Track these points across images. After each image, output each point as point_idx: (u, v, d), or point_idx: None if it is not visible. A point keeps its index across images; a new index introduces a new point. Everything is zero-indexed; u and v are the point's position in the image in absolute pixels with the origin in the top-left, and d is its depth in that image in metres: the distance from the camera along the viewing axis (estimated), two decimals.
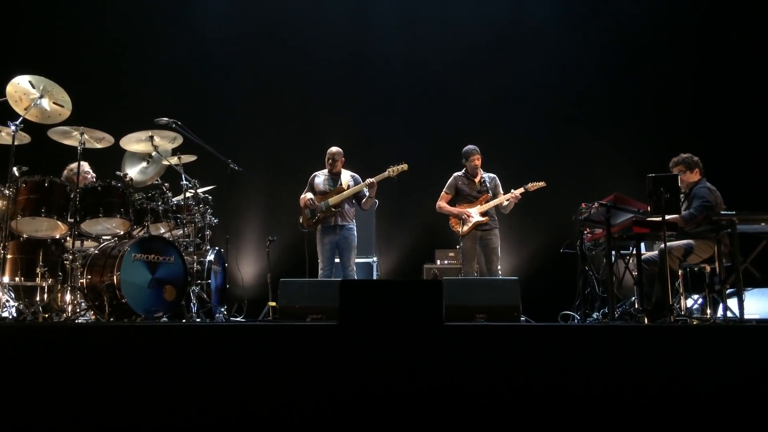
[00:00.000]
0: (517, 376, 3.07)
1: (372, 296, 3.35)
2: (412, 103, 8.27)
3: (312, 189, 6.27)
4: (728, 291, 4.82)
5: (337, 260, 6.18)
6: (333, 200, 6.09)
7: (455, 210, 6.27)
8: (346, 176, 6.28)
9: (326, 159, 6.29)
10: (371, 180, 6.06)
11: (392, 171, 6.11)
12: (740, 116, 7.70)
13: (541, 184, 6.31)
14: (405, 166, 6.14)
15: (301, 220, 6.22)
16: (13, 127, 4.52)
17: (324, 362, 3.09)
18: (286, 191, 7.58)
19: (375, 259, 7.14)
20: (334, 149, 6.30)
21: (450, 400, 3.00)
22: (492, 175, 6.41)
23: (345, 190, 6.14)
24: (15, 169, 4.54)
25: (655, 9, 8.16)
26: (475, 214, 6.18)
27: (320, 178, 6.30)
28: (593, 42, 8.20)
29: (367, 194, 6.12)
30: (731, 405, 3.01)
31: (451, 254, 7.15)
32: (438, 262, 7.24)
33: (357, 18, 8.48)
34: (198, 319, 4.99)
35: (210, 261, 5.59)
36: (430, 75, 8.36)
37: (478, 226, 6.17)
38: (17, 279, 4.55)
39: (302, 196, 6.24)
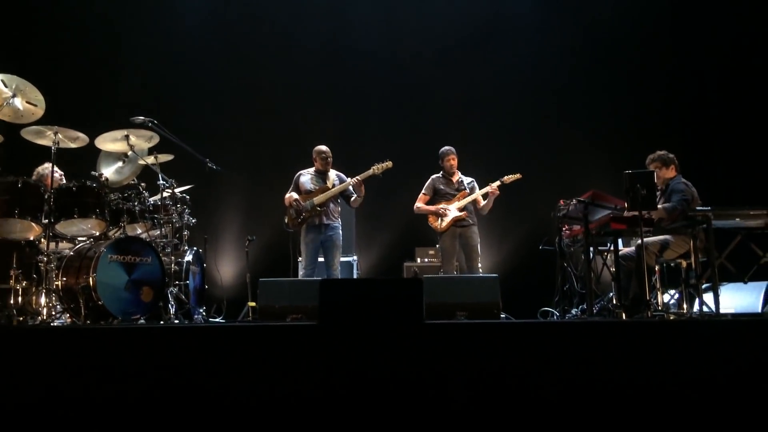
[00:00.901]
0: (498, 373, 3.09)
1: (352, 295, 3.35)
2: (391, 100, 8.27)
3: (297, 188, 6.21)
4: (704, 286, 4.89)
5: (321, 259, 6.13)
6: (318, 199, 6.05)
7: (432, 207, 6.28)
8: (332, 175, 6.25)
9: (320, 157, 6.20)
10: (357, 179, 6.02)
11: (377, 169, 6.08)
12: (715, 112, 7.81)
13: (517, 176, 6.33)
14: (389, 164, 6.11)
15: (286, 220, 6.16)
16: None
17: (304, 362, 3.07)
18: (264, 190, 7.54)
19: (355, 257, 7.13)
20: (321, 147, 6.24)
21: (431, 398, 3.01)
22: (470, 178, 6.43)
23: (330, 189, 6.11)
24: None
25: (631, 4, 8.24)
26: (452, 209, 6.20)
27: (306, 176, 6.25)
28: (570, 37, 8.26)
29: (355, 194, 6.10)
30: (708, 398, 3.05)
31: (431, 252, 7.17)
32: (418, 260, 7.25)
33: (336, 14, 8.46)
34: (176, 321, 4.94)
35: (188, 261, 5.54)
36: (409, 72, 8.35)
37: (456, 222, 6.18)
38: None
39: (287, 195, 6.17)
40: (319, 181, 6.20)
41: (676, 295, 5.47)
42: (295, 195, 6.12)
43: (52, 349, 3.10)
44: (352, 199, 6.15)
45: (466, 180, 6.40)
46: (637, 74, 8.11)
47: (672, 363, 3.14)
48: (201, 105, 8.04)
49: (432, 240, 6.75)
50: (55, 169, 5.01)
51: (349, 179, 6.10)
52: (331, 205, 6.14)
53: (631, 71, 8.13)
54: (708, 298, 4.74)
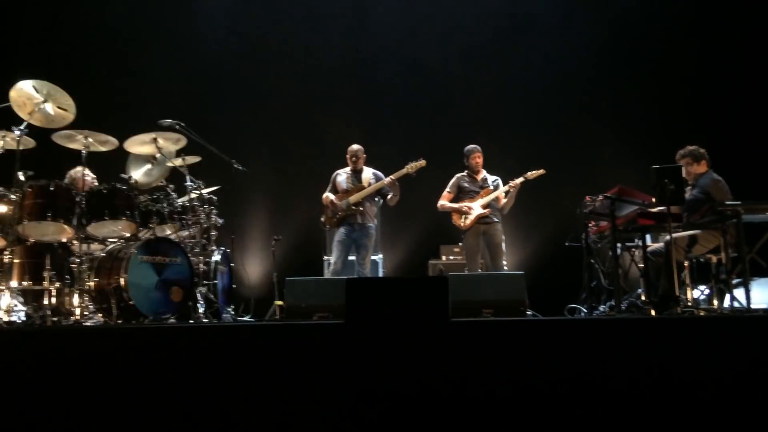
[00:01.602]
0: (525, 371, 3.08)
1: (378, 294, 3.35)
2: (414, 100, 8.26)
3: (334, 188, 6.28)
4: (735, 281, 4.81)
5: (351, 257, 6.17)
6: (354, 198, 6.09)
7: (456, 205, 6.26)
8: (368, 173, 6.27)
9: (348, 157, 6.27)
10: (391, 178, 6.06)
11: (411, 168, 6.09)
12: (744, 104, 7.66)
13: (541, 171, 6.27)
14: (423, 162, 6.12)
15: (323, 219, 6.23)
16: (17, 132, 4.54)
17: (331, 360, 3.10)
18: (290, 190, 7.61)
19: (381, 256, 7.14)
20: (355, 147, 6.30)
21: (458, 396, 3.01)
22: (495, 177, 6.39)
23: (366, 188, 6.14)
24: (20, 173, 4.56)
25: None
26: (476, 207, 6.18)
27: (342, 176, 6.30)
28: (595, 32, 8.16)
29: (391, 193, 6.13)
30: (740, 395, 3.00)
31: (456, 250, 7.15)
32: (443, 258, 7.23)
33: (357, 16, 8.48)
34: (205, 320, 5.01)
35: (216, 261, 5.60)
36: (432, 70, 8.34)
37: (480, 220, 6.16)
38: (25, 283, 4.56)
39: (324, 195, 6.25)
40: (354, 180, 6.24)
41: (707, 291, 5.39)
42: (331, 196, 6.18)
43: (86, 349, 3.16)
44: (389, 197, 6.18)
45: (491, 178, 6.37)
46: (663, 67, 7.98)
47: (703, 360, 3.10)
48: (227, 107, 8.12)
49: (457, 238, 6.73)
50: (87, 172, 5.12)
51: (384, 178, 6.13)
52: (367, 204, 6.17)
53: (657, 64, 8.00)
54: (739, 293, 4.67)
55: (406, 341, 3.12)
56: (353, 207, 6.08)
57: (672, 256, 4.56)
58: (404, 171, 6.09)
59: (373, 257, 6.88)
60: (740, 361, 3.08)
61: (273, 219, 7.96)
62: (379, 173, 6.27)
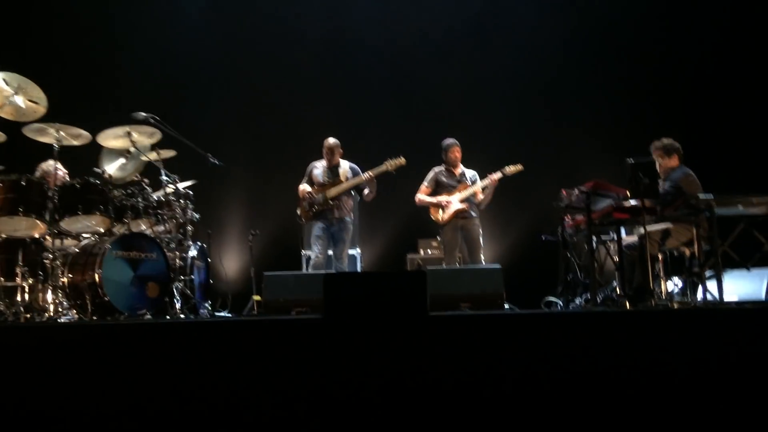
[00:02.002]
0: (503, 364, 3.10)
1: (356, 288, 3.35)
2: (391, 93, 8.25)
3: (310, 179, 6.22)
4: (707, 274, 4.89)
5: (330, 252, 6.14)
6: (330, 193, 6.06)
7: (434, 199, 6.28)
8: (345, 167, 6.23)
9: (324, 152, 6.21)
10: (369, 175, 6.02)
11: (390, 165, 6.07)
12: (716, 98, 7.77)
13: (519, 167, 6.30)
14: (402, 161, 6.09)
15: (299, 212, 6.18)
16: None
17: (310, 355, 3.09)
18: (267, 184, 7.56)
19: (358, 250, 7.14)
20: (330, 141, 6.23)
21: (437, 391, 3.02)
22: (473, 171, 6.42)
23: (343, 183, 6.10)
24: None
25: None
26: (454, 201, 6.19)
27: (318, 169, 6.24)
28: (569, 26, 8.21)
29: (367, 189, 6.11)
30: (713, 387, 3.06)
31: (434, 244, 7.18)
32: (421, 251, 7.26)
33: (336, 8, 8.44)
34: (182, 315, 4.97)
35: (192, 256, 5.55)
36: (409, 64, 8.33)
37: (458, 214, 6.18)
38: None
39: (300, 187, 6.19)
40: (330, 173, 6.19)
41: (680, 284, 5.48)
42: (308, 188, 6.13)
43: (59, 346, 3.12)
44: (365, 193, 6.16)
45: (469, 173, 6.39)
46: (636, 61, 8.06)
47: (676, 352, 3.14)
48: (202, 100, 8.03)
49: (435, 231, 6.76)
50: (59, 166, 5.03)
51: (363, 174, 6.10)
52: (344, 197, 6.13)
53: (630, 59, 8.08)
54: (712, 286, 4.75)
55: (385, 335, 3.13)
56: (330, 201, 6.05)
57: (646, 250, 4.62)
58: (383, 168, 6.08)
59: (351, 251, 6.88)
60: (714, 353, 3.13)
61: (250, 213, 7.91)
62: (356, 167, 6.25)
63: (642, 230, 4.67)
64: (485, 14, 8.36)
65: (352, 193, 6.24)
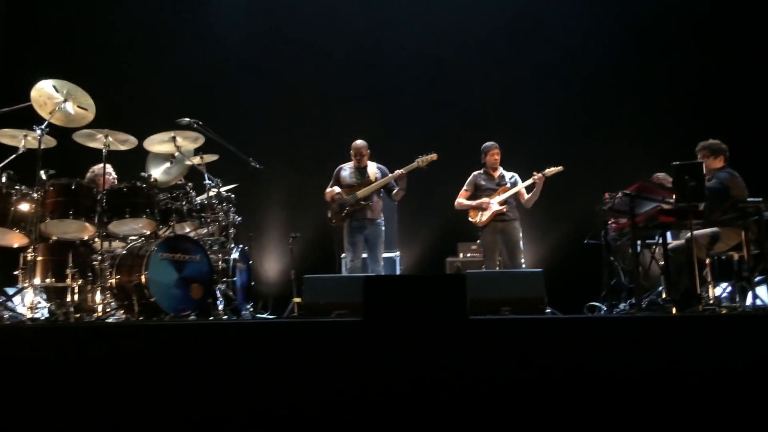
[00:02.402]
0: (544, 370, 3.06)
1: (396, 291, 3.36)
2: (430, 95, 8.23)
3: (338, 182, 6.21)
4: (757, 279, 4.75)
5: (364, 255, 6.14)
6: (361, 193, 6.03)
7: (474, 202, 6.23)
8: (373, 168, 6.21)
9: (352, 154, 6.22)
10: (400, 171, 5.98)
11: (421, 161, 6.01)
12: (764, 99, 7.54)
13: (559, 168, 6.20)
14: (434, 156, 6.03)
15: (329, 215, 6.17)
16: (39, 132, 4.60)
17: (349, 358, 3.10)
18: (307, 187, 7.61)
19: (398, 253, 7.13)
20: (359, 143, 6.23)
21: (477, 395, 3.00)
22: (513, 173, 6.34)
23: (373, 183, 6.09)
24: (42, 172, 4.61)
25: None
26: (493, 203, 6.14)
27: (346, 171, 6.24)
28: (613, 26, 8.08)
29: (397, 187, 6.07)
30: (762, 394, 2.96)
31: (474, 247, 7.12)
32: (460, 255, 7.21)
33: (372, 10, 8.46)
34: (225, 317, 5.04)
35: (235, 259, 5.63)
36: (447, 65, 8.29)
37: (496, 217, 6.12)
38: (48, 280, 4.62)
39: (328, 189, 6.19)
40: (359, 174, 6.18)
41: (729, 289, 5.33)
42: (336, 189, 6.13)
43: (108, 345, 3.20)
44: (394, 192, 6.11)
45: (508, 175, 6.32)
46: (683, 61, 7.88)
47: (725, 359, 3.06)
48: (244, 105, 8.15)
49: (474, 235, 6.71)
50: (110, 170, 5.18)
51: (389, 173, 6.08)
52: (374, 198, 6.10)
53: (676, 59, 7.90)
54: (761, 291, 4.61)
55: (425, 339, 3.12)
56: (362, 201, 6.03)
57: (693, 254, 4.51)
58: (414, 164, 6.02)
59: (390, 254, 6.87)
60: (764, 359, 3.04)
61: (290, 216, 7.98)
62: (384, 168, 6.22)
63: (689, 234, 4.55)
64: (524, 14, 8.27)
65: (381, 194, 6.22)
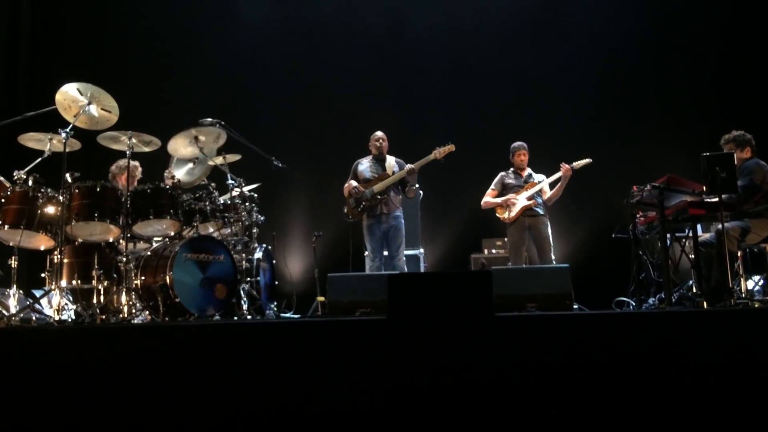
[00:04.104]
0: (572, 366, 3.00)
1: (420, 289, 3.32)
2: (452, 90, 8.17)
3: (356, 176, 6.15)
4: None
5: (386, 252, 6.07)
6: (378, 187, 5.96)
7: (500, 199, 6.17)
8: (391, 161, 6.12)
9: (373, 142, 6.16)
10: (411, 166, 5.90)
11: (438, 153, 5.91)
12: None
13: (587, 161, 6.12)
14: (452, 147, 5.92)
15: (345, 210, 6.12)
16: (64, 135, 4.63)
17: (374, 356, 3.08)
18: (329, 186, 7.60)
19: (422, 250, 7.09)
20: (378, 133, 6.19)
21: (504, 392, 2.96)
22: (542, 175, 6.26)
23: (389, 176, 6.01)
24: (68, 175, 4.65)
25: None
26: (521, 198, 6.07)
27: (364, 164, 6.17)
28: (637, 17, 7.98)
29: (409, 182, 5.98)
30: None
31: (498, 243, 7.06)
32: (485, 251, 7.15)
33: (393, 5, 8.43)
34: (249, 317, 5.05)
35: (258, 258, 5.65)
36: (470, 60, 8.23)
37: (525, 212, 6.05)
38: (74, 282, 4.67)
39: (346, 185, 6.15)
40: (377, 168, 6.10)
41: (761, 282, 5.21)
42: (354, 183, 6.07)
43: (134, 346, 3.21)
44: (407, 189, 6.02)
45: (537, 176, 6.26)
46: (709, 51, 7.73)
47: (758, 353, 2.97)
48: (266, 104, 8.17)
49: (499, 231, 6.65)
50: (137, 164, 5.22)
51: (408, 166, 5.98)
52: (392, 192, 6.01)
53: (702, 49, 7.76)
54: None
55: (450, 336, 3.08)
56: (378, 196, 5.95)
57: (724, 246, 4.40)
58: (431, 156, 5.92)
59: (414, 251, 6.83)
60: None
61: (313, 215, 7.98)
62: (402, 162, 6.11)
63: (719, 226, 4.45)
64: (548, 5, 8.19)
65: (399, 188, 6.10)
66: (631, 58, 7.91)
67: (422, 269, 6.98)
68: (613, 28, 7.97)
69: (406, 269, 6.13)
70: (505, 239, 6.42)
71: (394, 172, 6.02)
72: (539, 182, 6.16)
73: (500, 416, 2.93)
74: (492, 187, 6.29)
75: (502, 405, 2.94)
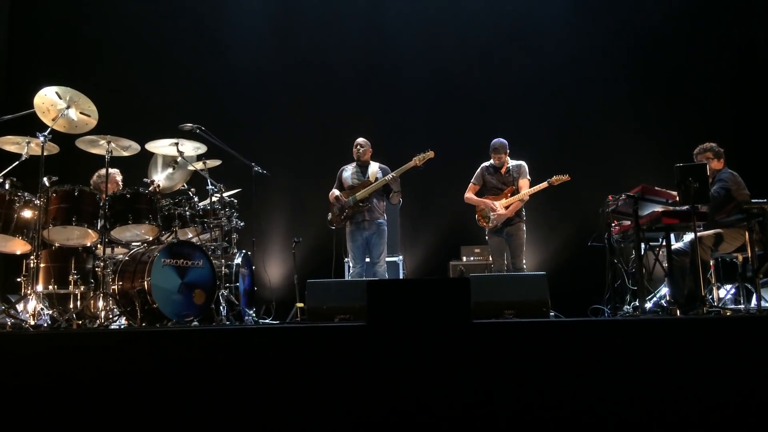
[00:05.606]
0: (549, 373, 3.05)
1: (399, 295, 3.34)
2: (432, 100, 8.23)
3: (340, 184, 6.17)
4: (762, 280, 4.73)
5: (368, 259, 6.09)
6: (360, 195, 5.95)
7: (481, 201, 6.18)
8: (375, 168, 6.14)
9: (355, 149, 6.17)
10: (392, 174, 5.93)
11: (418, 160, 5.93)
12: (763, 101, 7.54)
13: (565, 177, 6.18)
14: (431, 154, 5.95)
15: (330, 218, 6.13)
16: (42, 138, 4.59)
17: (353, 362, 3.09)
18: (309, 192, 7.62)
19: (401, 257, 7.12)
20: (359, 139, 6.21)
21: (481, 399, 2.99)
22: (519, 162, 6.25)
23: (372, 183, 6.03)
24: (45, 179, 4.60)
25: None
26: (499, 207, 6.11)
27: (348, 171, 6.18)
28: (612, 32, 8.11)
29: (393, 189, 6.01)
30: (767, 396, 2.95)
31: (477, 250, 7.11)
32: (464, 258, 7.20)
33: (373, 14, 8.47)
34: (228, 322, 5.04)
35: (237, 264, 5.64)
36: (449, 71, 8.31)
37: (505, 221, 6.10)
38: (51, 287, 4.62)
39: (331, 192, 6.16)
40: (360, 175, 6.12)
41: (733, 291, 5.32)
42: (337, 192, 6.09)
43: (111, 351, 3.19)
44: (391, 195, 6.04)
45: (514, 166, 6.21)
46: (682, 65, 7.90)
47: (729, 361, 3.04)
48: (245, 111, 8.15)
49: (477, 238, 6.69)
50: (117, 173, 5.18)
51: (391, 173, 6.02)
52: (375, 200, 6.03)
53: (676, 62, 7.92)
54: (766, 292, 4.59)
55: (428, 343, 3.11)
56: (360, 204, 5.97)
57: (697, 256, 4.49)
58: (411, 164, 5.94)
59: (393, 258, 6.85)
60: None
61: (293, 221, 7.98)
62: (386, 167, 6.14)
63: (692, 236, 4.54)
64: (524, 20, 8.29)
65: (383, 195, 6.12)
66: (607, 70, 8.04)
67: (401, 276, 7.00)
68: (589, 42, 8.09)
69: (387, 276, 6.14)
70: (484, 246, 6.45)
71: (377, 179, 6.04)
72: (517, 175, 6.11)
73: (478, 422, 2.96)
74: (473, 181, 6.25)
75: (480, 411, 2.98)
